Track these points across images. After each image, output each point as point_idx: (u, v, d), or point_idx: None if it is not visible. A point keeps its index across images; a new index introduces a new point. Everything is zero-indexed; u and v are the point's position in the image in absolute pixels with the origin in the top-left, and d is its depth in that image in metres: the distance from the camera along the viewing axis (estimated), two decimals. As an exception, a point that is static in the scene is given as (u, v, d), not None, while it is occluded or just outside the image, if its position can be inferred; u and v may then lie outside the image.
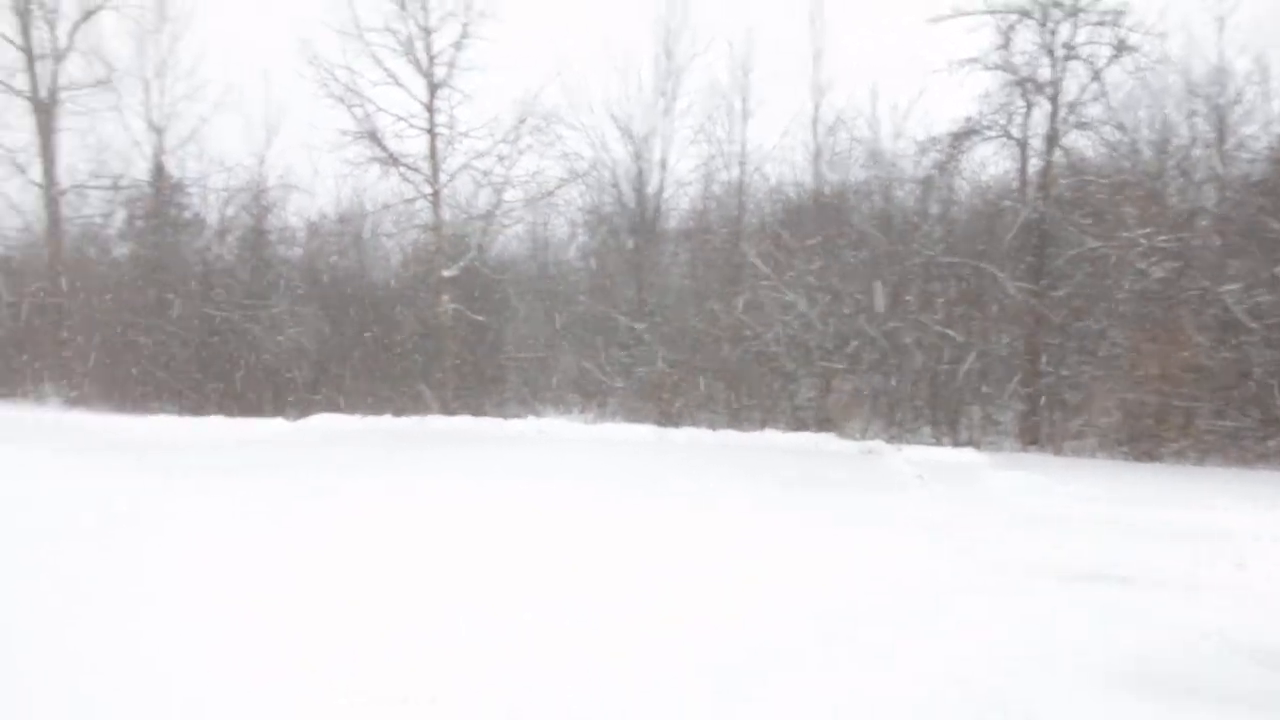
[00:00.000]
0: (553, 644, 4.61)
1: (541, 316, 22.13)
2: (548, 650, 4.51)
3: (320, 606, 5.19)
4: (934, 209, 18.01)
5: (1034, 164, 16.55)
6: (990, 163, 17.49)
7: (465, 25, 19.56)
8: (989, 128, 16.49)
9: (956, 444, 15.83)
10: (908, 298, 16.70)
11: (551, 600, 5.40)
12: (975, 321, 16.56)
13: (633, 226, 23.62)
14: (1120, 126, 16.41)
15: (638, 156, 24.05)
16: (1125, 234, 14.82)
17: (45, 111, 23.82)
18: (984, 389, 16.60)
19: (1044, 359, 16.16)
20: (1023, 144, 16.51)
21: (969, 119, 16.45)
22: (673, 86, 23.68)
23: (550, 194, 21.59)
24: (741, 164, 23.40)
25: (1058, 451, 15.55)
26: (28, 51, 23.70)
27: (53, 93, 24.01)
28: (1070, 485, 10.80)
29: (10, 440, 13.50)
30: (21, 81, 23.70)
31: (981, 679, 4.25)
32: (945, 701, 4.01)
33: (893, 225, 17.61)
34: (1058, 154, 16.28)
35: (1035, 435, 16.07)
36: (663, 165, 24.01)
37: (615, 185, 24.32)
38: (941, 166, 17.02)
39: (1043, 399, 16.08)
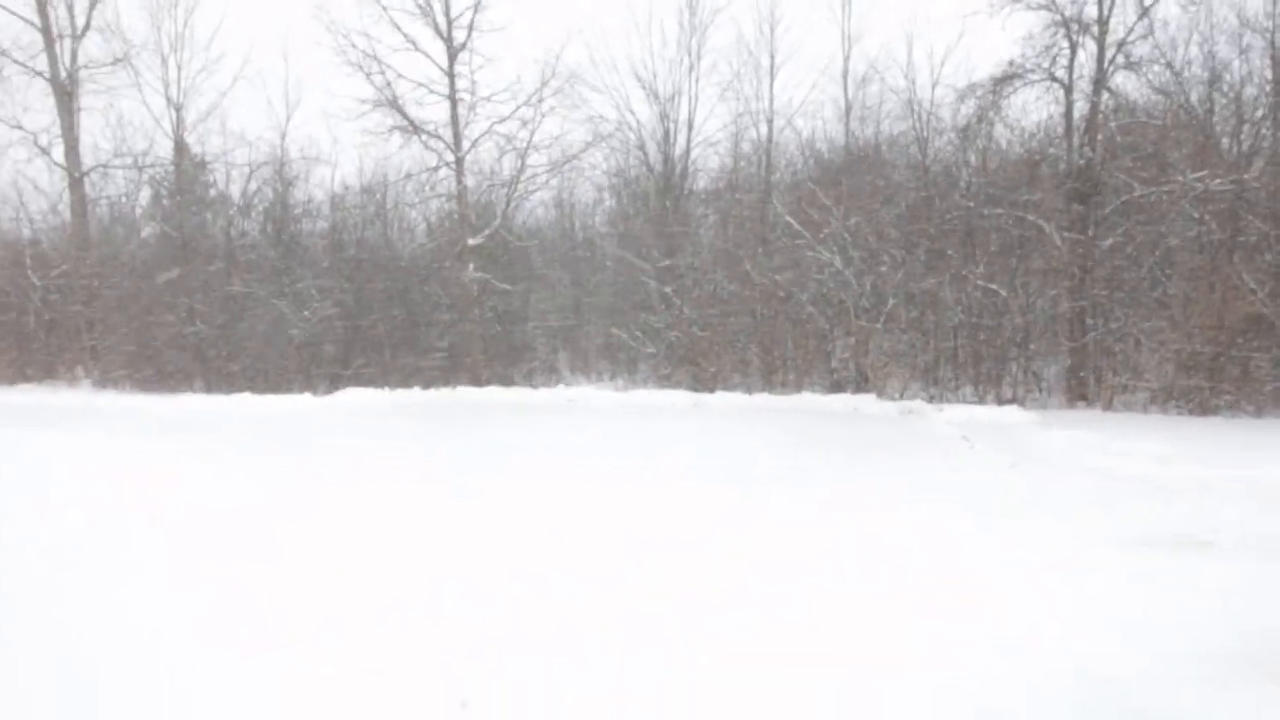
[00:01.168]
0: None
1: (569, 283, 21.74)
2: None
3: (375, 592, 4.88)
4: (973, 159, 17.34)
5: (1079, 108, 15.82)
6: (1033, 109, 16.91)
7: (484, -16, 19.03)
8: (1032, 71, 15.80)
9: (1000, 402, 15.30)
10: (949, 252, 16.11)
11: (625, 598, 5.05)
12: (1019, 275, 15.95)
13: (660, 188, 23.12)
14: (1170, 65, 15.63)
15: (663, 117, 23.46)
16: (1178, 179, 14.13)
17: (65, 92, 23.66)
18: (1030, 345, 16.02)
19: (1091, 312, 15.55)
20: (1067, 87, 15.77)
21: (1011, 62, 15.79)
22: (698, 43, 23.03)
23: (575, 158, 21.11)
24: (770, 121, 22.79)
25: (1107, 407, 14.97)
26: (46, 32, 23.50)
27: (72, 73, 23.83)
28: (1125, 443, 10.25)
29: (46, 425, 13.40)
30: (40, 63, 23.57)
31: (1098, 669, 3.90)
32: (1060, 687, 3.75)
33: (930, 177, 16.96)
34: (1105, 97, 15.55)
35: (1083, 391, 15.49)
36: (689, 125, 23.41)
37: (641, 147, 23.78)
38: (981, 114, 16.35)
39: (1090, 353, 15.49)
